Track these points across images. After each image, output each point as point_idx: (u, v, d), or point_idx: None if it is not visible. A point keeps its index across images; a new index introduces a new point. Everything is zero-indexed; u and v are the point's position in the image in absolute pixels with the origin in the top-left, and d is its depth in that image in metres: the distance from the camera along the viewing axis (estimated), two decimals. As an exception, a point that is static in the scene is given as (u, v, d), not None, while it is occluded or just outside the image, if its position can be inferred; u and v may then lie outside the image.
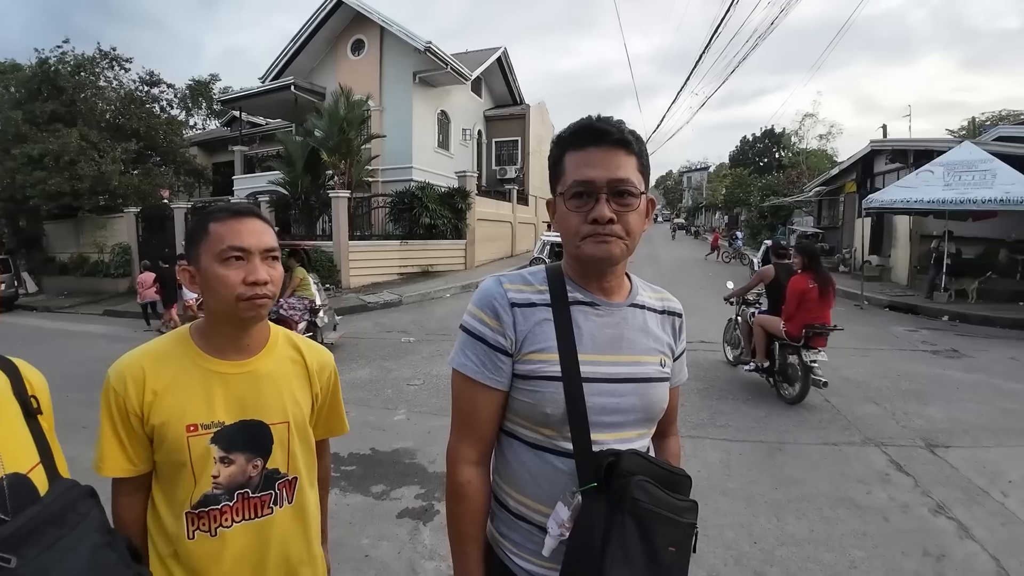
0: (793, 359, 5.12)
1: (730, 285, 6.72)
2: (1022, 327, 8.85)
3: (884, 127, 27.18)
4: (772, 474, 3.69)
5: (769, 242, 16.32)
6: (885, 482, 3.58)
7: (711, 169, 62.08)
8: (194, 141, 24.36)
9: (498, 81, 24.48)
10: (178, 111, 22.18)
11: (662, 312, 1.13)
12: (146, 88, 20.09)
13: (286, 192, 14.38)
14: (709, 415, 4.77)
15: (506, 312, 1.00)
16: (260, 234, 1.10)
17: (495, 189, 21.96)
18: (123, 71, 19.16)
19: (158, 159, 20.64)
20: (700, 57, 13.92)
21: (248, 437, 1.12)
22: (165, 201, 17.12)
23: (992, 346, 7.65)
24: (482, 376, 1.01)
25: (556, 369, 0.97)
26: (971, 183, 9.81)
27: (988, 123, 21.87)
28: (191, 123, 25.69)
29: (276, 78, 18.60)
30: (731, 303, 6.52)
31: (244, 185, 18.87)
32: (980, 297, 10.79)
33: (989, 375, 6.06)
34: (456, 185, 15.58)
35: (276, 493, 1.16)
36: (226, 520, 1.11)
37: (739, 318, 6.26)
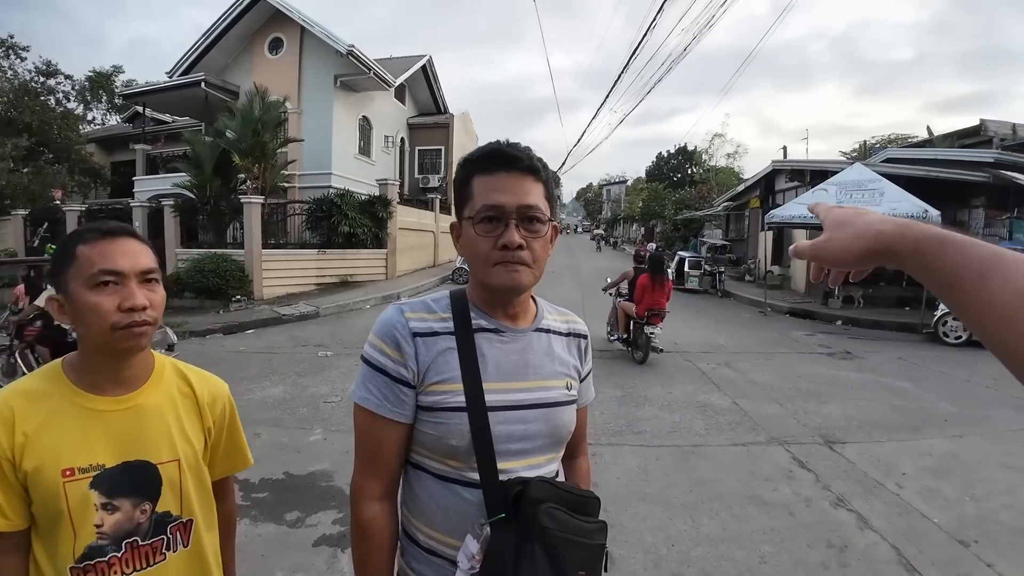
0: (641, 332, 7.01)
1: (608, 280, 8.72)
2: (907, 330, 9.73)
3: (784, 148, 29.16)
4: (687, 476, 3.79)
5: (683, 253, 17.18)
6: (789, 479, 3.76)
7: (629, 183, 64.65)
8: (92, 138, 22.42)
9: (422, 89, 24.29)
10: (76, 104, 20.36)
11: (568, 335, 1.13)
12: (42, 79, 18.27)
13: (193, 196, 13.42)
14: (627, 422, 4.85)
15: (407, 343, 0.97)
16: (135, 255, 1.00)
17: (418, 198, 21.71)
18: (19, 60, 17.34)
19: (51, 156, 18.80)
20: (619, 77, 14.47)
21: (133, 479, 1.01)
22: (57, 203, 15.60)
23: (881, 348, 8.34)
24: (384, 410, 0.97)
25: (460, 400, 0.95)
26: (861, 201, 10.69)
27: (877, 146, 24.06)
28: (89, 118, 23.66)
29: (185, 73, 17.36)
30: (609, 294, 8.39)
31: (146, 187, 17.52)
32: (867, 303, 11.77)
33: (879, 374, 6.60)
34: (377, 193, 15.19)
35: (169, 538, 1.05)
36: (115, 573, 0.99)
37: (613, 305, 8.05)
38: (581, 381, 1.14)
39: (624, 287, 7.97)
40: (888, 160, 14.31)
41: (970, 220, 12.27)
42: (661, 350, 7.19)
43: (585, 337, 1.17)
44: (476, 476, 0.95)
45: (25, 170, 16.40)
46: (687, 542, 2.96)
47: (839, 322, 10.66)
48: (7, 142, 15.30)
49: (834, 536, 3.01)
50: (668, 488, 3.61)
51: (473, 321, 1.00)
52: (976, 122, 16.23)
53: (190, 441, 1.10)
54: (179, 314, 9.87)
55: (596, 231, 58.63)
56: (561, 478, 1.09)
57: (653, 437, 4.51)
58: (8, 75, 17.31)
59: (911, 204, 10.08)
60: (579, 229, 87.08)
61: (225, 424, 1.20)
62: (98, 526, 0.97)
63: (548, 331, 1.08)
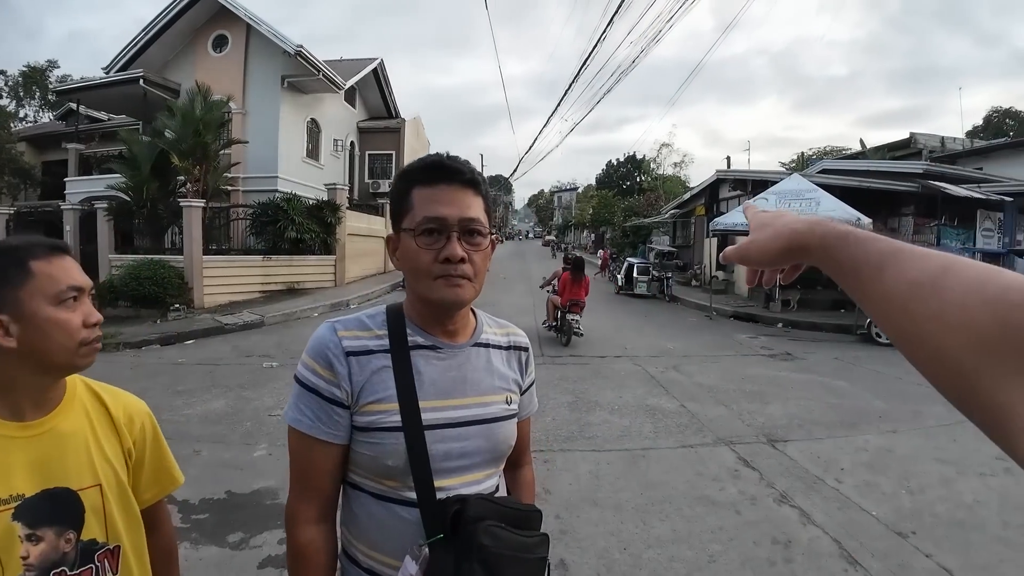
0: (564, 319, 8.66)
1: (544, 278, 10.52)
2: (842, 331, 10.22)
3: (728, 158, 30.36)
4: (637, 480, 3.83)
5: (632, 259, 17.55)
6: (735, 478, 3.86)
7: (580, 190, 65.64)
8: (22, 136, 21.12)
9: (373, 93, 23.97)
10: (7, 100, 19.11)
11: (508, 348, 1.12)
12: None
13: (128, 199, 12.72)
14: (578, 427, 4.88)
15: (340, 362, 0.95)
16: (80, 269, 1.00)
17: (368, 203, 21.34)
18: None
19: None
20: (570, 86, 14.66)
21: (54, 508, 0.96)
22: None
23: (819, 348, 8.72)
24: (318, 431, 0.95)
25: (396, 419, 0.93)
26: (799, 209, 11.19)
27: (814, 157, 25.34)
28: (21, 115, 22.20)
29: (123, 69, 16.48)
30: (545, 290, 10.08)
31: (78, 188, 16.57)
32: (804, 306, 12.31)
33: (818, 374, 6.89)
34: (326, 197, 14.85)
35: (97, 566, 1.00)
36: None
37: (547, 298, 9.68)
38: (523, 393, 1.13)
39: (557, 284, 9.44)
40: (824, 171, 15.06)
41: (900, 227, 13.03)
42: (581, 334, 8.74)
43: (526, 349, 1.16)
44: (413, 495, 0.94)
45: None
46: (639, 545, 2.99)
47: (780, 325, 11.09)
48: None
49: (779, 532, 3.10)
50: (619, 492, 3.64)
51: (409, 338, 0.98)
52: (906, 135, 17.31)
53: (111, 463, 1.04)
54: (113, 324, 9.32)
55: (548, 237, 59.22)
56: (503, 491, 1.08)
57: (604, 442, 4.55)
58: None
59: (845, 212, 10.62)
60: (530, 235, 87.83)
61: (147, 443, 1.14)
62: (24, 558, 0.92)
63: (487, 345, 1.07)
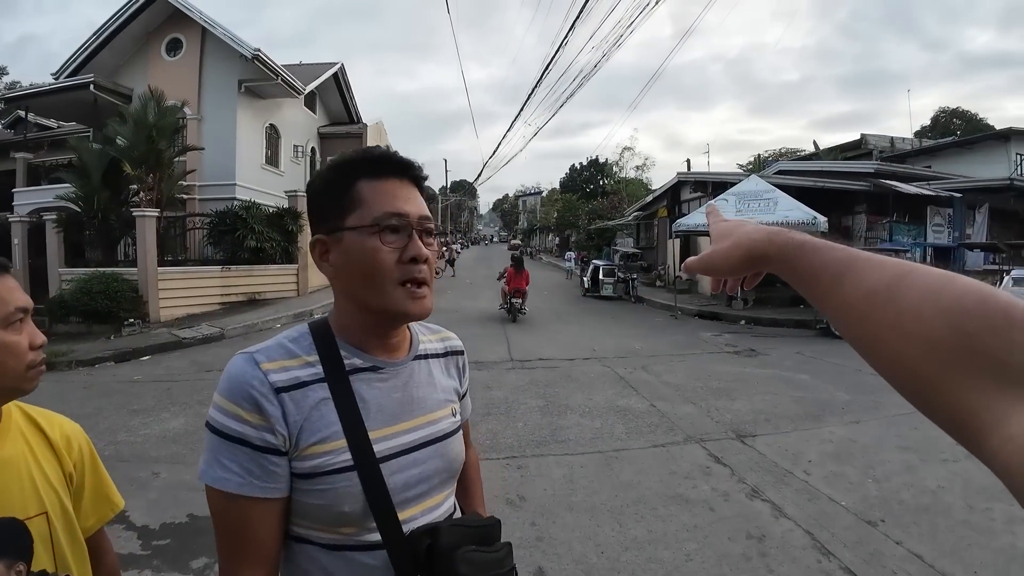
0: (510, 302, 11.77)
1: (498, 272, 13.96)
2: (803, 326, 10.52)
3: (688, 161, 31.18)
4: (611, 482, 3.83)
5: (597, 261, 17.71)
6: (707, 475, 3.89)
7: (544, 193, 66.09)
8: (-33, 146, 19.93)
9: (334, 98, 23.60)
10: None
11: (445, 354, 1.04)
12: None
13: (79, 209, 12.13)
14: (550, 431, 4.86)
15: (270, 401, 0.78)
16: (20, 290, 0.95)
17: (331, 210, 20.95)
18: None
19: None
20: (532, 90, 14.76)
21: (1, 539, 0.90)
22: None
23: (781, 344, 8.94)
24: (251, 488, 0.78)
25: (346, 458, 0.80)
26: (758, 210, 11.49)
27: (770, 159, 26.06)
28: (-33, 125, 20.99)
29: (73, 74, 15.77)
30: (499, 282, 13.15)
31: (27, 200, 15.77)
32: (765, 303, 12.62)
33: (781, 369, 7.06)
34: (287, 205, 14.53)
35: None
36: None
37: (501, 287, 12.62)
38: (461, 399, 1.05)
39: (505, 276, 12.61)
40: (780, 172, 15.51)
41: (854, 225, 13.51)
42: (524, 312, 11.85)
43: (462, 353, 1.08)
44: (375, 537, 0.82)
45: None
46: (615, 548, 2.97)
47: (743, 322, 11.34)
48: None
49: (752, 527, 3.14)
50: (594, 495, 3.62)
51: (346, 361, 0.85)
52: (857, 136, 17.96)
53: (55, 489, 0.99)
54: (64, 341, 8.89)
55: (514, 241, 59.37)
56: (457, 512, 0.99)
57: (576, 445, 4.54)
58: None
59: (802, 212, 10.95)
60: (495, 239, 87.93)
61: (86, 467, 1.08)
62: None
63: (427, 356, 0.98)
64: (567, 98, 18.42)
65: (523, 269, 12.21)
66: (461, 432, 0.99)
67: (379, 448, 0.83)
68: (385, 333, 0.89)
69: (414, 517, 0.86)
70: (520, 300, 11.77)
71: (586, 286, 16.89)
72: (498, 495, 3.64)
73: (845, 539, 3.01)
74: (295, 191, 15.03)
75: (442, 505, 0.93)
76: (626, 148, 46.03)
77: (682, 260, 16.10)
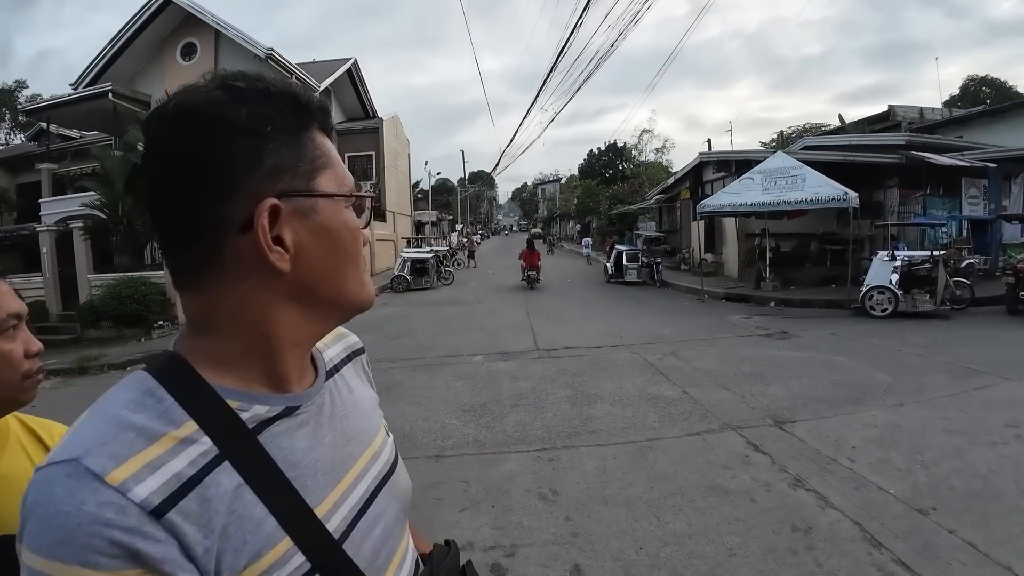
0: (528, 275, 15.79)
1: (518, 253, 17.04)
2: (836, 306, 10.19)
3: (709, 141, 30.44)
4: (646, 473, 3.71)
5: (620, 246, 17.49)
6: (746, 464, 3.75)
7: (563, 181, 65.68)
8: (-6, 160, 20.49)
9: (349, 94, 23.67)
10: None
11: (348, 358, 0.78)
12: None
13: (104, 216, 12.40)
14: (580, 422, 4.75)
15: (153, 538, 0.45)
16: (14, 294, 0.91)
17: (351, 206, 21.07)
18: None
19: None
20: (547, 75, 14.56)
21: (2, 559, 0.82)
22: None
23: (814, 325, 8.67)
24: None
25: (300, 562, 0.53)
26: (785, 187, 11.15)
27: (794, 135, 25.36)
28: (-8, 139, 21.58)
29: (92, 84, 16.08)
30: (519, 261, 16.59)
31: (53, 209, 16.07)
32: (793, 283, 12.30)
33: (816, 351, 6.82)
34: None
35: None
36: None
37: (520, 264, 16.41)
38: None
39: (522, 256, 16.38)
40: (807, 147, 15.06)
41: (886, 200, 13.04)
42: (539, 280, 15.94)
43: (363, 351, 0.83)
44: None
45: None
46: (654, 543, 2.86)
47: (772, 303, 11.05)
48: None
49: (797, 518, 3.00)
50: (629, 487, 3.51)
51: (244, 414, 0.55)
52: (884, 108, 17.32)
53: None
54: (96, 346, 9.10)
55: (534, 230, 59.12)
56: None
57: (608, 435, 4.42)
58: None
59: (831, 188, 10.57)
60: (515, 228, 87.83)
61: None
62: None
63: (337, 368, 0.73)
64: (584, 81, 18.19)
65: (535, 250, 16.14)
66: (399, 457, 0.76)
67: (334, 526, 0.58)
68: (307, 351, 0.64)
69: None
70: (535, 272, 15.76)
71: (610, 272, 16.68)
72: (530, 489, 3.57)
73: (896, 529, 2.85)
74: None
75: (408, 551, 0.73)
76: (645, 131, 45.65)
77: (707, 242, 15.85)
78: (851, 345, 7.13)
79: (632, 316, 10.43)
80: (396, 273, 16.72)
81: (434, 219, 42.29)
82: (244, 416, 0.55)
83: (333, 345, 0.76)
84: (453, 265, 22.10)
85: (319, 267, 0.58)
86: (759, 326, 8.86)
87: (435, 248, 21.33)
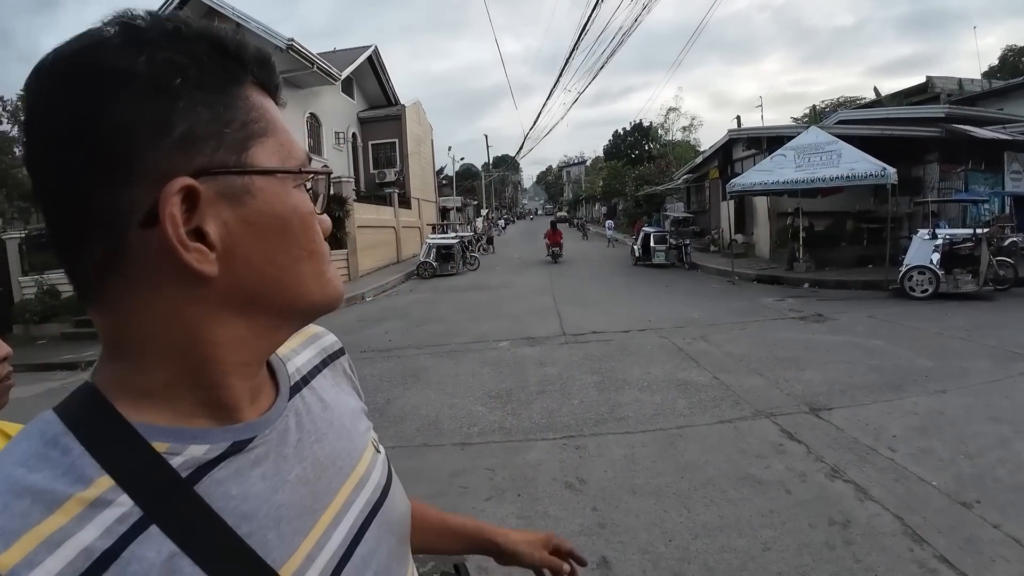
0: (552, 251, 19.13)
1: (544, 233, 20.82)
2: (873, 287, 9.85)
3: (738, 118, 29.60)
4: (675, 462, 3.62)
5: (647, 228, 17.22)
6: (780, 453, 3.63)
7: (588, 163, 64.94)
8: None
9: (370, 81, 23.68)
10: (7, 125, 19.25)
11: (324, 364, 0.63)
12: (-31, 102, 17.09)
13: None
14: (608, 408, 4.67)
15: None
16: None
17: (375, 194, 21.20)
18: None
19: (-15, 182, 17.65)
20: (570, 54, 14.25)
21: None
22: None
23: (850, 307, 8.39)
24: None
25: None
26: (819, 163, 10.76)
27: (827, 110, 24.49)
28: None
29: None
30: (544, 240, 20.12)
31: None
32: (825, 264, 11.92)
33: (853, 335, 6.58)
34: (332, 192, 14.70)
35: None
36: None
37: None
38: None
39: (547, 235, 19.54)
40: (841, 122, 14.48)
41: (925, 175, 12.49)
42: (561, 255, 18.64)
43: (343, 352, 0.69)
44: None
45: (-44, 197, 15.32)
46: (684, 535, 2.79)
47: (806, 285, 10.73)
48: None
49: (835, 511, 2.88)
50: (657, 477, 3.43)
51: (174, 459, 0.42)
52: (922, 80, 16.56)
53: None
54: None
55: (560, 213, 58.74)
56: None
57: (636, 423, 4.34)
58: None
59: (869, 164, 10.16)
60: (539, 212, 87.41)
61: None
62: None
63: (306, 381, 0.58)
64: (607, 59, 17.76)
65: (558, 230, 19.61)
66: (393, 473, 0.64)
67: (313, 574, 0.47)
68: (262, 361, 0.50)
69: None
70: (558, 248, 18.97)
71: (637, 254, 16.42)
72: (556, 478, 3.52)
73: (938, 524, 2.72)
74: (339, 177, 15.20)
75: None
76: (671, 109, 44.69)
77: (737, 222, 15.48)
78: (890, 328, 6.87)
79: (660, 299, 10.25)
80: (422, 259, 16.77)
81: (459, 205, 42.29)
82: (175, 462, 0.41)
83: (302, 350, 0.61)
84: (479, 251, 22.06)
85: (260, 267, 0.43)
86: (792, 309, 8.62)
87: (460, 234, 21.33)
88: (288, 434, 0.50)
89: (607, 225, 28.96)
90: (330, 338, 0.68)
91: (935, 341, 6.06)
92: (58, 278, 11.50)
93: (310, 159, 0.49)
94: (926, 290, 8.58)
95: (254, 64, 0.45)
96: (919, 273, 8.66)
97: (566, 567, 0.89)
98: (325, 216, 0.50)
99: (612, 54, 15.94)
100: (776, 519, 2.85)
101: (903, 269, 8.86)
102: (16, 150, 20.93)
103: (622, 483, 3.38)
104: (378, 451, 0.62)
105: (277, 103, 0.48)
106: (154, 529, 0.39)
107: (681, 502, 3.10)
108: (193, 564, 0.39)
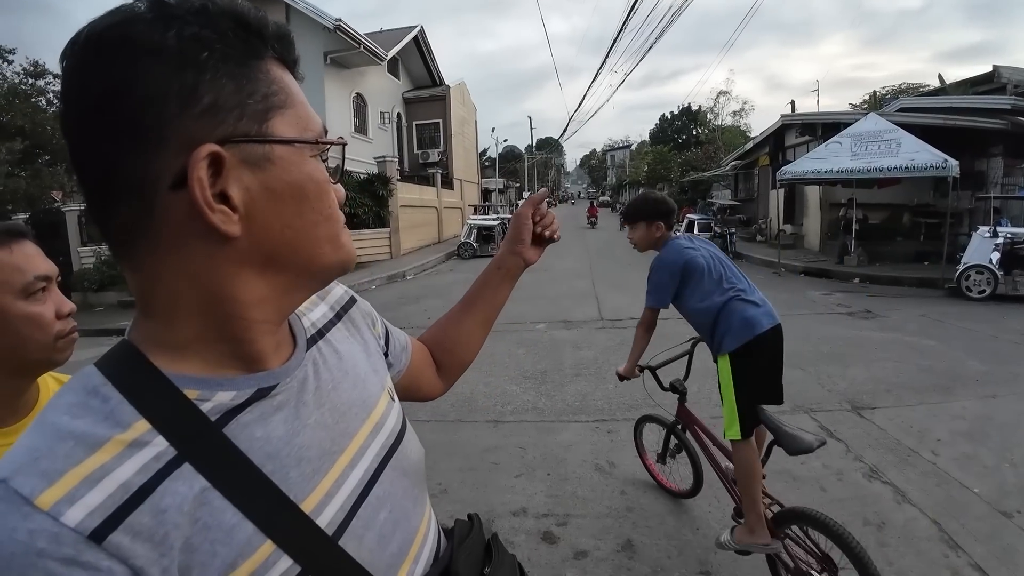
0: (591, 220, 28.25)
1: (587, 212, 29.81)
2: (927, 285, 9.43)
3: (793, 103, 28.57)
4: (709, 451, 3.60)
5: (691, 215, 16.86)
6: (818, 450, 3.56)
7: (633, 147, 63.83)
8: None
9: (416, 62, 23.76)
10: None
11: (337, 317, 0.68)
12: (30, 80, 17.99)
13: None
14: (642, 394, 4.57)
15: (93, 567, 0.38)
16: (43, 256, 0.90)
17: (418, 174, 21.40)
18: (6, 63, 17.03)
19: (47, 158, 18.61)
20: (618, 34, 13.95)
21: None
22: (57, 204, 15.49)
23: (902, 305, 8.06)
24: None
25: (287, 565, 0.47)
26: (877, 152, 10.28)
27: (888, 96, 23.29)
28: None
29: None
30: (587, 216, 28.94)
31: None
32: (882, 259, 11.45)
33: (903, 333, 6.34)
34: (376, 171, 14.94)
35: None
36: None
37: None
38: (388, 352, 0.75)
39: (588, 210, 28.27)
40: (903, 109, 13.77)
41: (988, 169, 11.79)
42: (596, 224, 27.64)
43: (354, 300, 0.73)
44: None
45: (22, 174, 16.26)
46: (713, 525, 2.79)
47: (856, 280, 10.35)
48: (1, 147, 15.13)
49: (870, 512, 2.83)
50: (689, 465, 3.42)
51: (204, 404, 0.47)
52: (988, 69, 15.53)
53: None
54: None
55: (603, 198, 58.04)
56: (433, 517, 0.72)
57: (671, 410, 4.31)
58: None
59: (929, 154, 9.67)
60: (581, 195, 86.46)
61: None
62: None
63: (322, 334, 0.63)
64: (656, 39, 17.30)
65: (595, 206, 28.71)
66: (406, 420, 0.69)
67: (327, 519, 0.51)
68: (283, 319, 0.54)
69: (411, 575, 0.61)
70: (595, 219, 27.45)
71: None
72: (587, 460, 3.56)
73: (976, 531, 2.64)
74: (383, 157, 15.39)
75: (428, 530, 0.67)
76: (721, 92, 43.28)
77: (786, 212, 15.02)
78: (942, 328, 6.59)
79: (701, 289, 10.06)
80: (463, 240, 16.89)
81: (501, 187, 42.29)
82: (205, 407, 0.47)
83: (315, 307, 0.66)
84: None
85: (279, 229, 0.48)
86: (840, 303, 8.34)
87: (501, 215, 21.36)
88: (307, 383, 0.55)
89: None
90: (339, 291, 0.72)
91: (989, 344, 5.78)
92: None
93: (326, 131, 0.53)
94: (983, 291, 8.17)
95: (274, 40, 0.49)
96: (977, 272, 8.24)
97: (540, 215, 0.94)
98: (339, 186, 0.54)
99: (661, 35, 15.53)
100: (808, 515, 2.82)
101: (960, 267, 8.44)
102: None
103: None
104: (393, 400, 0.67)
105: (296, 77, 0.52)
106: (187, 467, 0.44)
107: (711, 491, 3.09)
108: (222, 497, 0.45)
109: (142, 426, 0.44)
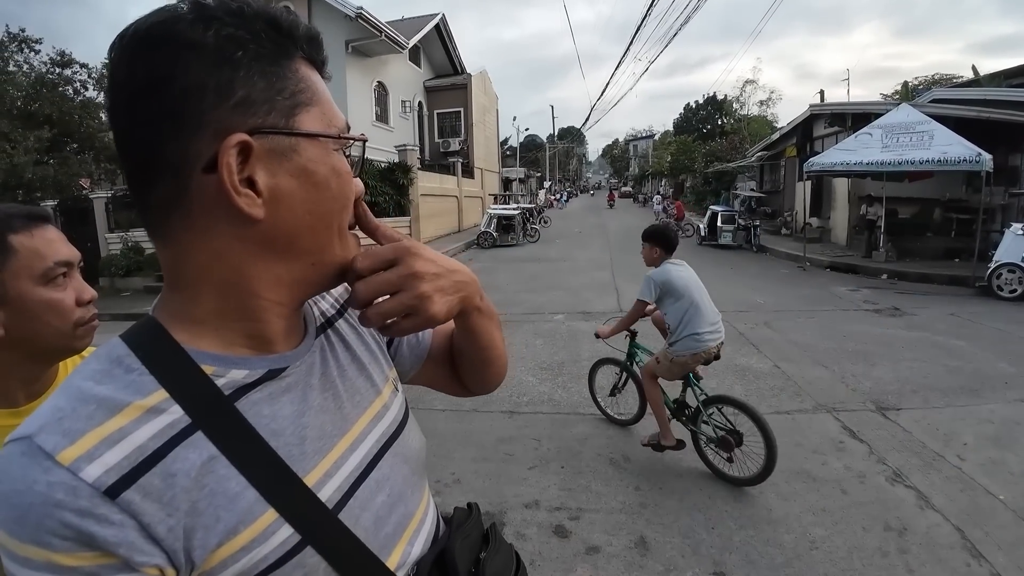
0: (609, 203, 36.71)
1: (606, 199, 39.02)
2: (957, 283, 9.15)
3: (822, 92, 27.77)
4: (727, 449, 3.54)
5: (715, 207, 16.58)
6: (840, 451, 3.49)
7: (656, 137, 62.92)
8: (113, 125, 22.72)
9: (437, 50, 23.68)
10: (95, 92, 20.66)
11: (344, 307, 0.71)
12: (57, 70, 18.37)
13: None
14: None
15: (106, 520, 0.42)
16: (65, 242, 0.90)
17: (439, 163, 21.40)
18: (33, 53, 17.38)
19: (75, 146, 19.02)
20: (642, 21, 13.70)
21: None
22: (85, 191, 15.84)
23: (931, 303, 7.84)
24: None
25: (287, 535, 0.50)
26: (908, 145, 9.97)
27: (920, 87, 22.57)
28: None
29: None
30: (608, 203, 37.38)
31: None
32: (902, 254, 11.14)
33: (932, 332, 6.17)
34: (397, 160, 14.95)
35: None
36: None
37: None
38: (390, 346, 0.76)
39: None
40: (936, 100, 13.33)
41: (1023, 165, 11.36)
42: (614, 206, 35.94)
43: None
44: None
45: (50, 161, 16.66)
46: (729, 524, 2.75)
47: (884, 276, 10.10)
48: (29, 135, 15.50)
49: (892, 517, 2.76)
50: (706, 463, 3.38)
51: (219, 380, 0.51)
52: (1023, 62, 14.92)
53: None
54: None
55: (624, 188, 57.48)
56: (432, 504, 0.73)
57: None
58: (24, 69, 17.25)
59: (963, 147, 9.34)
60: (601, 185, 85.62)
61: None
62: None
63: (331, 323, 0.67)
64: (681, 25, 16.98)
65: (613, 193, 39.54)
66: (408, 410, 0.71)
67: (327, 493, 0.54)
68: (296, 304, 0.57)
69: (405, 556, 0.62)
70: (612, 203, 35.90)
71: (703, 234, 15.86)
72: (601, 454, 3.54)
73: (1000, 540, 2.56)
74: (404, 145, 15.40)
75: (426, 515, 0.69)
76: (748, 81, 42.29)
77: (813, 205, 14.72)
78: (972, 328, 6.39)
79: (724, 281, 9.90)
80: (483, 229, 16.86)
81: (522, 176, 42.10)
82: (220, 382, 0.51)
83: (324, 298, 0.69)
84: (540, 223, 21.96)
85: (300, 215, 0.51)
86: (867, 300, 8.15)
87: (522, 205, 21.26)
88: (314, 368, 0.60)
89: (654, 200, 27.83)
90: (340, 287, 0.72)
91: (1020, 346, 5.59)
92: (141, 236, 12.35)
93: (349, 128, 0.56)
94: (1015, 290, 7.90)
95: (304, 41, 0.53)
96: (1009, 271, 7.97)
97: None
98: (359, 180, 0.58)
99: (686, 21, 15.23)
100: (828, 518, 2.76)
101: (992, 266, 8.17)
102: (102, 115, 22.41)
103: (668, 465, 3.36)
104: (396, 391, 0.70)
105: (323, 77, 0.56)
106: (199, 435, 0.48)
107: (728, 490, 3.05)
108: (229, 465, 0.48)
109: (160, 395, 0.48)
